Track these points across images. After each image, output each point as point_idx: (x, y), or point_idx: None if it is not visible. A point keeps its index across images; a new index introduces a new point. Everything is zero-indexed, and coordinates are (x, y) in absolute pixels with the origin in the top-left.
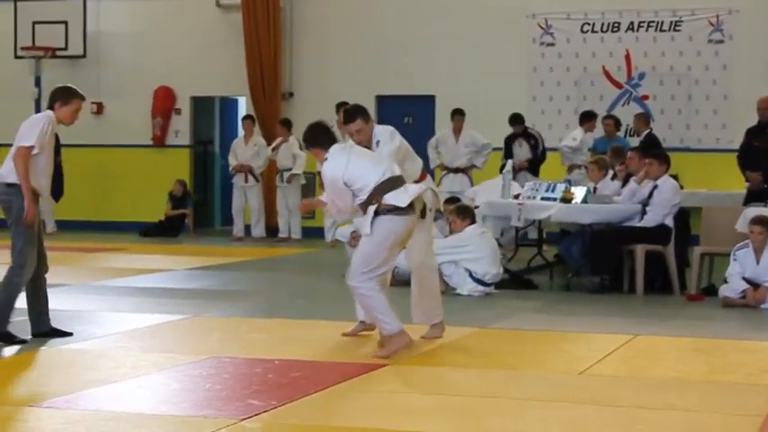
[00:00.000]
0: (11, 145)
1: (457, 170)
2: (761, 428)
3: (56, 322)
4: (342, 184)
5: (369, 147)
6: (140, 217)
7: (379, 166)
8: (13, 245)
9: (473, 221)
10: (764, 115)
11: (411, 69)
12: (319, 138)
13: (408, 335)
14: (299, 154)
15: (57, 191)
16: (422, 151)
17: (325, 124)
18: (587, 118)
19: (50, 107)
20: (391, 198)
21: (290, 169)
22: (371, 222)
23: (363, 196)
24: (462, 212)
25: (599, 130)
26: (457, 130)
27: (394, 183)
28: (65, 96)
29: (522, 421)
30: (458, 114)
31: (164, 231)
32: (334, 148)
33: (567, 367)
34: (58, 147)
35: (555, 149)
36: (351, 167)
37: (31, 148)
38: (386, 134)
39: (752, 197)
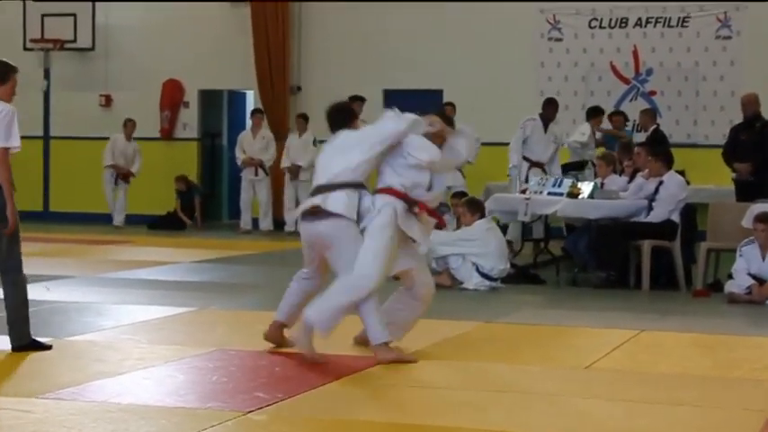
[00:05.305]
0: (20, 137)
1: None
2: (765, 424)
3: (63, 314)
4: None
5: None
6: (148, 210)
7: (332, 164)
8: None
9: (483, 216)
10: (748, 111)
11: (419, 63)
12: (330, 119)
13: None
14: (311, 149)
15: None
16: None
17: (340, 105)
18: (594, 114)
19: None
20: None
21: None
22: None
23: None
24: (472, 206)
25: (605, 126)
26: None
27: (319, 190)
28: (2, 75)
29: (528, 415)
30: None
31: (171, 224)
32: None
33: (572, 362)
34: None
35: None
36: (318, 158)
37: (10, 148)
38: (389, 115)
39: (741, 189)
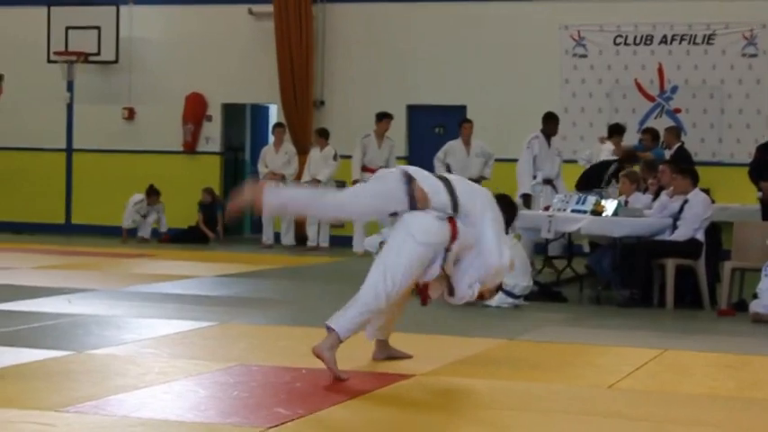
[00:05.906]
0: (43, 150)
1: None
2: None
3: (84, 327)
4: None
5: None
6: (171, 223)
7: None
8: None
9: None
10: None
11: (443, 79)
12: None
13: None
14: (331, 163)
15: None
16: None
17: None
18: (617, 131)
19: None
20: None
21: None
22: None
23: None
24: None
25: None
26: (467, 140)
27: None
28: None
29: None
30: (467, 122)
31: (194, 238)
32: None
33: (595, 381)
34: None
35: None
36: None
37: None
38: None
39: (767, 208)
